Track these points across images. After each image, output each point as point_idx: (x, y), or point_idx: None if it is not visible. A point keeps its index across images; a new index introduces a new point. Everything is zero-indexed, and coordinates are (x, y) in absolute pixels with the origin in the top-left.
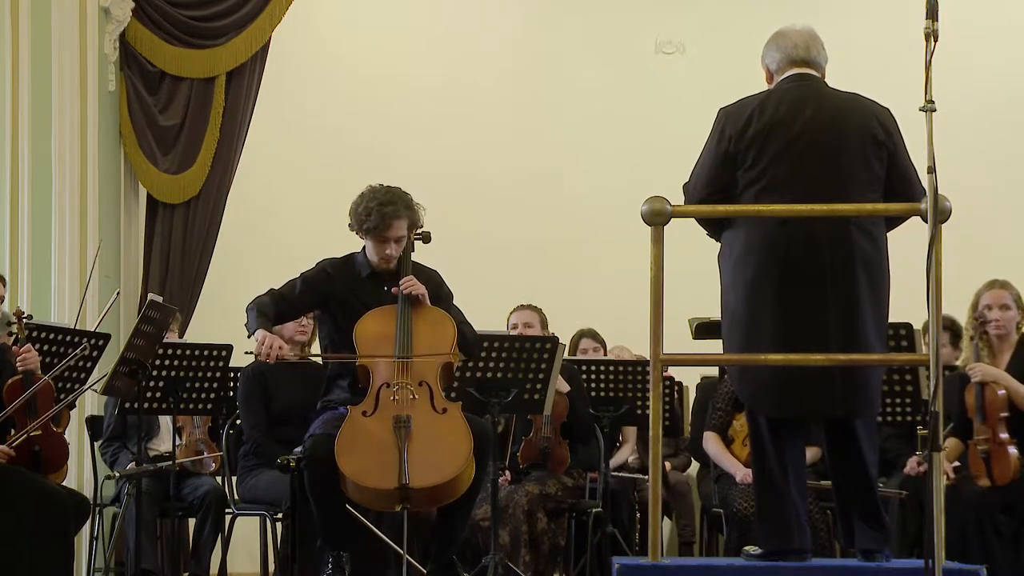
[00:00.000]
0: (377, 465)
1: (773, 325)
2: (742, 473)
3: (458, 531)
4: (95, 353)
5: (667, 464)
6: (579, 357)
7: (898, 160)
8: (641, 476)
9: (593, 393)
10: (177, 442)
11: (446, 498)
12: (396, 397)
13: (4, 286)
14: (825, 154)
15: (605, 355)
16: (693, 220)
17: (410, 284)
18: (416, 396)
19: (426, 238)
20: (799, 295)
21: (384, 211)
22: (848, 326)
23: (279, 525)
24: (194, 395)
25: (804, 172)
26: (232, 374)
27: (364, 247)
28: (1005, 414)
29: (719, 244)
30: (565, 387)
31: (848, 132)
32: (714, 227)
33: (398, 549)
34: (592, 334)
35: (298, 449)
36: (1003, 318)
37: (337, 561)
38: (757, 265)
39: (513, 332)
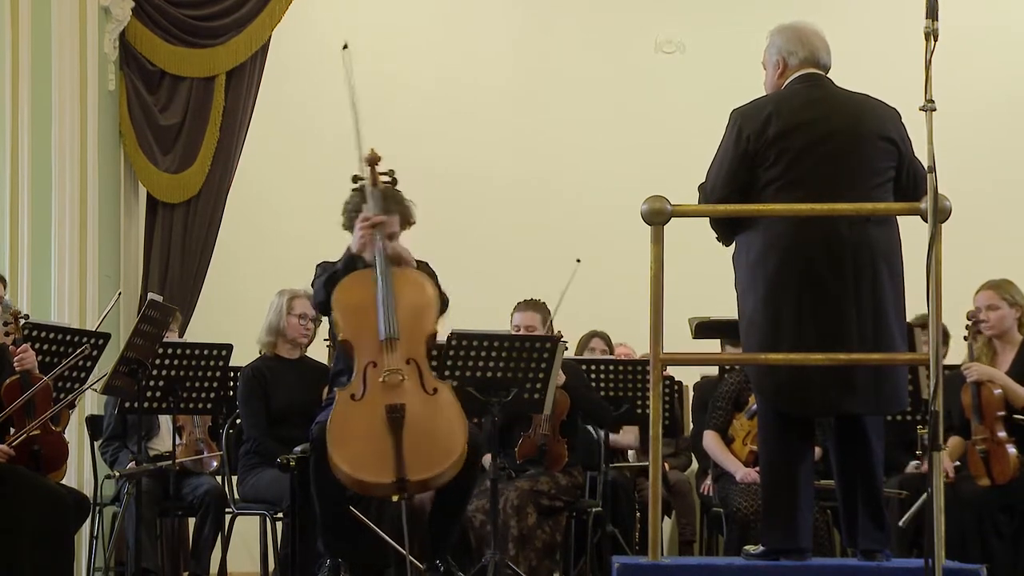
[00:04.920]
0: (373, 458)
1: (795, 323)
2: (742, 472)
3: (452, 531)
4: (95, 353)
5: (666, 464)
6: (581, 356)
7: (910, 162)
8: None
9: None
10: (177, 441)
11: (444, 482)
12: (385, 379)
13: (4, 286)
14: (844, 153)
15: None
16: (694, 220)
17: (372, 225)
18: (405, 377)
19: (393, 182)
20: (822, 293)
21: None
22: (874, 323)
23: (279, 524)
24: (194, 394)
25: (824, 171)
26: (232, 373)
27: None
28: (1002, 413)
29: (723, 246)
30: (562, 378)
31: (864, 132)
32: (727, 229)
33: (400, 548)
34: (603, 336)
35: (298, 448)
36: (992, 318)
37: (335, 564)
38: (778, 263)
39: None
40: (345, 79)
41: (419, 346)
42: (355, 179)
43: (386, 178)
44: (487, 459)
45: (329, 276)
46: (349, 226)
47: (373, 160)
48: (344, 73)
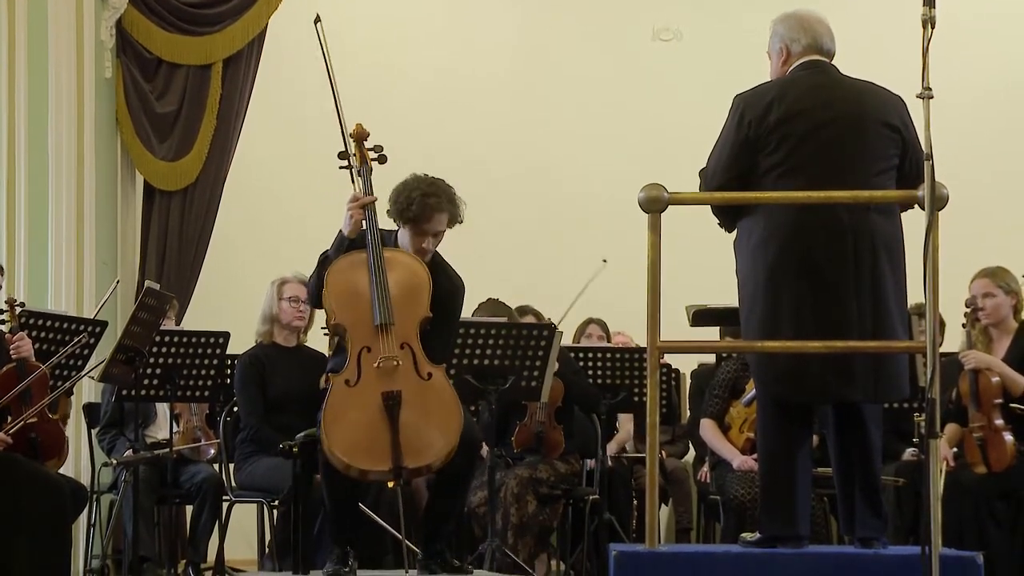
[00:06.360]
0: (369, 446)
1: (794, 309)
2: (739, 460)
3: (449, 520)
4: (92, 340)
5: (663, 452)
6: (579, 344)
7: (914, 150)
8: (637, 455)
9: (590, 380)
10: (174, 429)
11: (441, 466)
12: (380, 365)
13: (1, 275)
14: (847, 140)
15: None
16: (692, 207)
17: (363, 205)
18: (400, 363)
19: (382, 159)
20: (821, 280)
21: (427, 202)
22: (873, 310)
23: (276, 512)
24: (191, 382)
25: (826, 157)
26: (229, 361)
27: (397, 233)
28: (999, 401)
29: (724, 232)
30: (554, 366)
31: (867, 119)
32: (729, 215)
33: (396, 534)
34: (600, 322)
35: (300, 435)
36: (988, 306)
37: (343, 552)
38: (778, 250)
39: None
40: (321, 51)
41: (413, 330)
42: (341, 156)
43: (374, 155)
44: (484, 448)
45: (321, 263)
46: (395, 216)
47: (361, 136)
48: (320, 45)
